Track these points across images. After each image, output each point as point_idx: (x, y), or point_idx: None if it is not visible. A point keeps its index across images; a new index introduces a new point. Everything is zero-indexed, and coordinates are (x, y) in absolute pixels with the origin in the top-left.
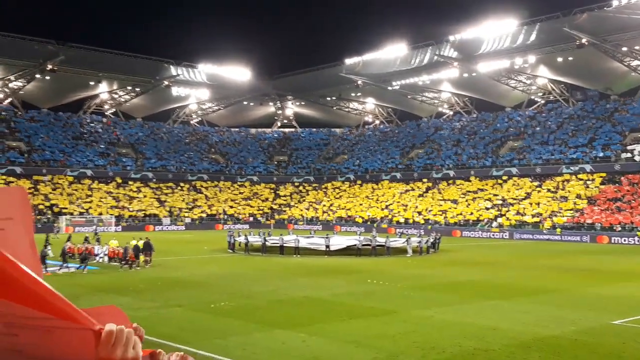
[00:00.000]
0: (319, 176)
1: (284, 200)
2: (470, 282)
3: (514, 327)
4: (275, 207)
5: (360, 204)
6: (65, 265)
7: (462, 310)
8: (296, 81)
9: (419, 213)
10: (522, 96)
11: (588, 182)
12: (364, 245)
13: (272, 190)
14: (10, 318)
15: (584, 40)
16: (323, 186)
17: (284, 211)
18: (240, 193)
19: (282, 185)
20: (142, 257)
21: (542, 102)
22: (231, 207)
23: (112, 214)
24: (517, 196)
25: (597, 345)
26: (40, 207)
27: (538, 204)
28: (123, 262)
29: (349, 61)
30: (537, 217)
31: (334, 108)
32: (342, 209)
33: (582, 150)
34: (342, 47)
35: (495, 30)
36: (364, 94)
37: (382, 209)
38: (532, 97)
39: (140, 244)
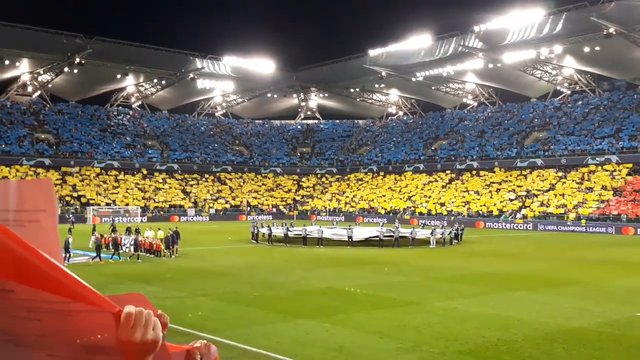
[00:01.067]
0: (342, 167)
1: (307, 191)
2: (494, 273)
3: (538, 318)
4: (298, 198)
5: (383, 195)
6: (97, 256)
7: (486, 301)
8: (320, 73)
9: (442, 204)
10: (547, 87)
11: (614, 173)
12: (386, 236)
13: (295, 182)
14: (34, 303)
15: (611, 30)
16: (346, 177)
17: (307, 202)
18: (263, 184)
19: (305, 176)
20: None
21: (568, 92)
22: (255, 198)
23: (138, 205)
24: (541, 187)
25: (623, 337)
26: (68, 198)
27: (563, 195)
28: (151, 253)
29: (372, 52)
30: (562, 208)
31: (358, 99)
32: (365, 200)
33: (608, 140)
34: (366, 38)
35: (521, 20)
36: (388, 85)
37: (405, 200)
38: (558, 88)
39: (162, 234)
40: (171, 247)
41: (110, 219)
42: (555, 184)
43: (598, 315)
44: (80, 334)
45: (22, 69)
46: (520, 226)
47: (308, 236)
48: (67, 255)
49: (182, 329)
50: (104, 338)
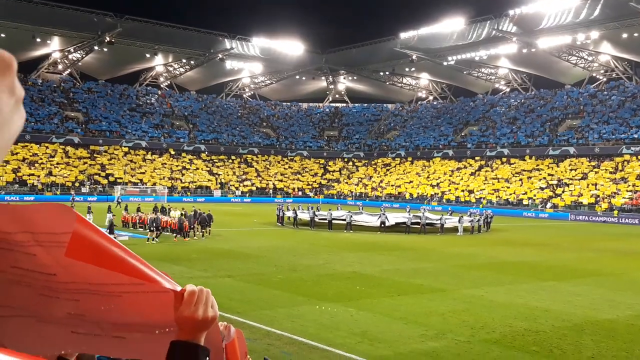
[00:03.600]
0: (369, 152)
1: (333, 175)
2: (522, 262)
3: (566, 309)
4: (324, 182)
5: (410, 181)
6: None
7: (514, 290)
8: (349, 55)
9: (471, 192)
10: (582, 73)
11: None
12: (413, 223)
13: (321, 166)
14: (76, 285)
15: None
16: (373, 162)
17: (333, 186)
18: (289, 167)
19: (331, 160)
20: (199, 228)
21: (604, 79)
22: (280, 181)
23: (164, 185)
24: (573, 176)
25: None
26: (96, 177)
27: (595, 184)
28: (177, 233)
29: (404, 35)
30: (594, 198)
31: (387, 83)
32: (392, 185)
33: None
34: (397, 21)
35: (558, 5)
36: (418, 69)
37: (433, 187)
38: (594, 75)
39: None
40: (204, 228)
41: (117, 199)
42: (588, 173)
43: (628, 307)
44: (132, 313)
45: (53, 47)
46: (551, 215)
47: (334, 221)
48: (112, 236)
49: None
50: (159, 315)
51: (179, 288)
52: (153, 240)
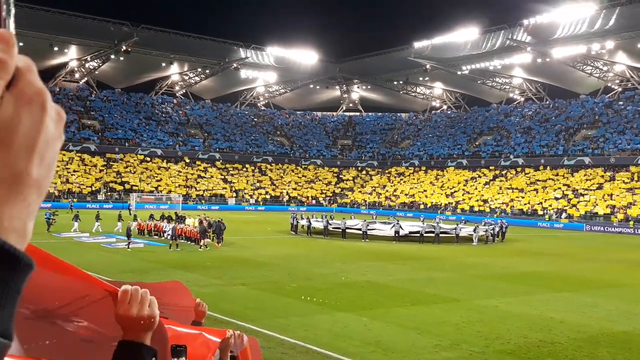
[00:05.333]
0: (383, 161)
1: (347, 184)
2: (537, 273)
3: (582, 320)
4: (337, 191)
5: (424, 191)
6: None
7: (529, 301)
8: (363, 64)
9: (485, 201)
10: (597, 83)
11: None
12: (427, 232)
13: (335, 174)
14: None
15: None
16: (386, 171)
17: (346, 195)
18: (303, 176)
19: (345, 169)
20: (212, 236)
21: (619, 89)
22: (294, 189)
23: (179, 193)
24: (588, 187)
25: None
26: (112, 184)
27: (611, 195)
28: (204, 242)
29: (417, 45)
30: (609, 208)
31: (401, 92)
32: (406, 194)
33: None
34: (411, 30)
35: (572, 14)
36: (432, 79)
37: (447, 196)
38: (609, 84)
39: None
40: (218, 236)
41: (128, 207)
42: (603, 183)
43: None
44: (95, 320)
45: (70, 55)
46: (566, 226)
47: (347, 230)
48: (128, 241)
49: (221, 317)
50: (109, 324)
51: (114, 289)
52: (177, 247)
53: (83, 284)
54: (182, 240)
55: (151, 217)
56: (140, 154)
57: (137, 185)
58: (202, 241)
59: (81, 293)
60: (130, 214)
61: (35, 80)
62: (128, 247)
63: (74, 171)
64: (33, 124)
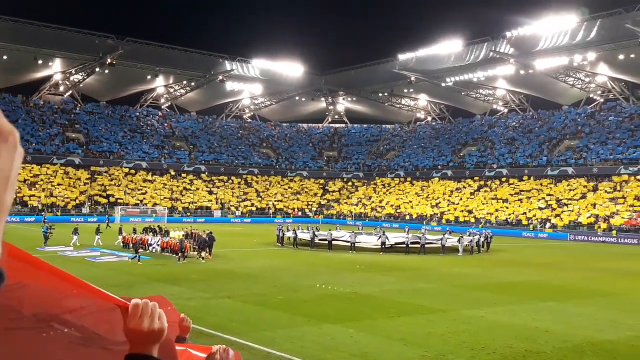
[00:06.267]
0: (368, 172)
1: (333, 195)
2: (522, 282)
3: (567, 330)
4: (323, 202)
5: (410, 201)
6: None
7: (514, 311)
8: (348, 77)
9: (470, 212)
10: (580, 94)
11: None
12: (412, 243)
13: (320, 186)
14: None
15: None
16: (372, 182)
17: (332, 206)
18: (289, 188)
19: (331, 180)
20: (198, 250)
21: (601, 100)
22: (280, 201)
23: (165, 206)
24: (572, 196)
25: None
26: (97, 197)
27: (594, 205)
28: (179, 254)
29: (402, 57)
30: (593, 218)
31: (386, 104)
32: (391, 205)
33: None
34: (395, 42)
35: (554, 26)
36: (417, 90)
37: (432, 207)
38: (591, 95)
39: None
40: (207, 249)
41: (106, 220)
42: (586, 193)
43: (629, 328)
44: (96, 329)
45: (55, 68)
46: (550, 235)
47: (334, 241)
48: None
49: (207, 330)
50: (116, 330)
51: (124, 303)
52: (182, 260)
53: (90, 295)
54: (167, 253)
55: (134, 230)
56: (125, 167)
57: (122, 198)
58: (202, 253)
59: (87, 302)
60: (107, 227)
61: (5, 121)
62: (139, 261)
63: (58, 184)
64: (8, 159)
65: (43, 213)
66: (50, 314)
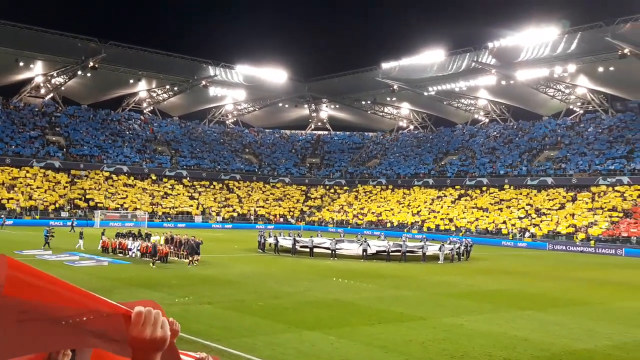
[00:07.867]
0: (351, 180)
1: (315, 202)
2: (501, 291)
3: (545, 338)
4: (305, 209)
5: (391, 209)
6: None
7: (493, 319)
8: (332, 84)
9: (450, 220)
10: (560, 105)
11: (625, 195)
12: (393, 251)
13: (303, 192)
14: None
15: (626, 51)
16: (354, 189)
17: (314, 213)
18: (271, 194)
19: (313, 187)
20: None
21: (581, 112)
22: (262, 207)
23: (145, 210)
24: (551, 206)
25: None
26: (77, 201)
27: (573, 215)
28: (155, 258)
29: (385, 65)
30: (571, 228)
31: (369, 112)
32: (373, 213)
33: (620, 161)
34: (379, 51)
35: (536, 38)
36: (399, 99)
37: (413, 215)
38: (571, 107)
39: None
40: (193, 255)
41: (71, 224)
42: (565, 203)
43: (606, 337)
44: (99, 334)
45: (36, 71)
46: (529, 245)
47: (315, 248)
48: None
49: (187, 337)
50: (117, 336)
51: (127, 311)
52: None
53: (92, 303)
54: (148, 258)
55: (117, 235)
56: (106, 171)
57: (102, 203)
58: (193, 257)
59: (88, 311)
60: (72, 231)
61: None
62: (153, 265)
63: (37, 187)
64: None
65: (2, 215)
66: (54, 317)
